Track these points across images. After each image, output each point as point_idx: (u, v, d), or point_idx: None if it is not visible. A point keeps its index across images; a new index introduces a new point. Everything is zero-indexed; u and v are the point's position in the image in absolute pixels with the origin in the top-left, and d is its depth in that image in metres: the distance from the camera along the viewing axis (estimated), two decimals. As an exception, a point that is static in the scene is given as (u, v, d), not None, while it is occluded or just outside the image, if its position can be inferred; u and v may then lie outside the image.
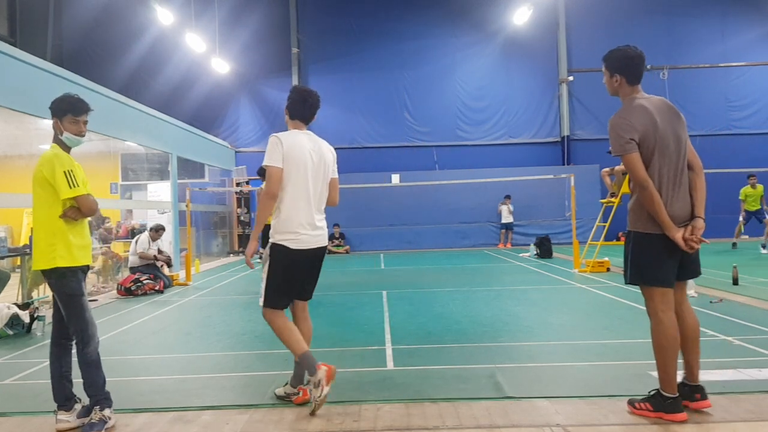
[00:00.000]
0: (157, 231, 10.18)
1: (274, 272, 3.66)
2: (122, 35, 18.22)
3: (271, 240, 3.69)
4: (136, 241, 10.03)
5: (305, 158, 3.67)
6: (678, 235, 3.22)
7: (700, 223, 3.26)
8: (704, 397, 3.35)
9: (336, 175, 3.92)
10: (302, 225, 3.64)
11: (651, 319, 3.36)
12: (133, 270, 9.77)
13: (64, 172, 3.42)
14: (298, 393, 3.73)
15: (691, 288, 7.46)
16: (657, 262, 3.30)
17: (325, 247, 3.85)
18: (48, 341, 5.93)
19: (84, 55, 18.18)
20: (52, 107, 3.56)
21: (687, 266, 3.37)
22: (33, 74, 8.19)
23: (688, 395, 3.36)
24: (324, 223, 3.82)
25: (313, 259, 3.77)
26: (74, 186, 3.43)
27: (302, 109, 3.82)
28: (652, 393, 3.37)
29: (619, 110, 3.35)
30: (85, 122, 3.61)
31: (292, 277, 3.70)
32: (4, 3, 16.96)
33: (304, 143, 3.72)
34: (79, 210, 3.50)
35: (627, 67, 3.35)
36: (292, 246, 3.62)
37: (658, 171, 3.25)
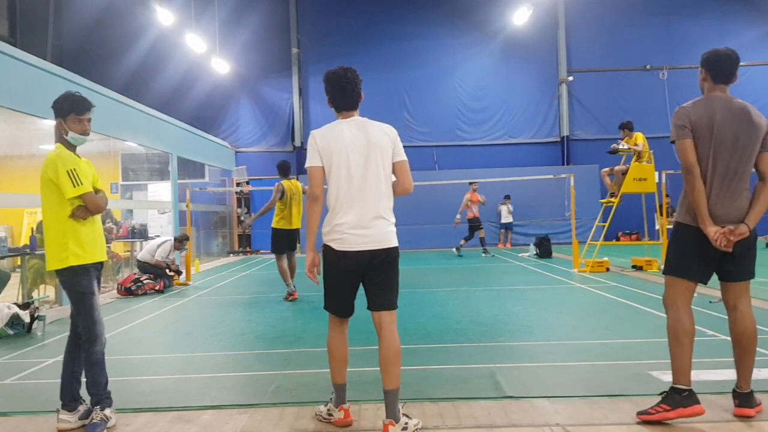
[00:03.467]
0: (182, 242, 10.20)
1: (325, 274, 3.41)
2: (122, 35, 18.22)
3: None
4: (159, 245, 9.97)
5: (344, 149, 3.27)
6: (712, 229, 3.22)
7: (742, 228, 3.24)
8: (743, 404, 3.32)
9: (403, 158, 3.39)
10: (346, 223, 3.25)
11: (667, 309, 3.40)
12: (140, 265, 9.76)
13: (68, 171, 3.42)
14: (341, 414, 3.40)
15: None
16: (688, 254, 3.34)
17: (386, 250, 3.31)
18: (48, 341, 5.98)
19: (84, 55, 18.18)
20: (54, 108, 3.55)
21: (733, 266, 3.33)
22: (33, 74, 8.19)
23: (734, 400, 3.38)
24: (384, 221, 3.31)
25: (369, 261, 3.29)
26: (78, 185, 3.43)
27: (342, 98, 3.39)
28: (663, 393, 3.33)
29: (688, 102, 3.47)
30: (89, 120, 3.61)
31: (341, 281, 3.36)
32: (4, 3, 16.96)
33: (343, 133, 3.31)
34: (86, 208, 3.50)
35: (713, 62, 3.43)
36: (336, 247, 3.28)
37: (707, 165, 3.29)
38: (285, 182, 8.36)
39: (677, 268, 3.39)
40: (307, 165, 3.37)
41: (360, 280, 3.39)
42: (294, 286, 8.22)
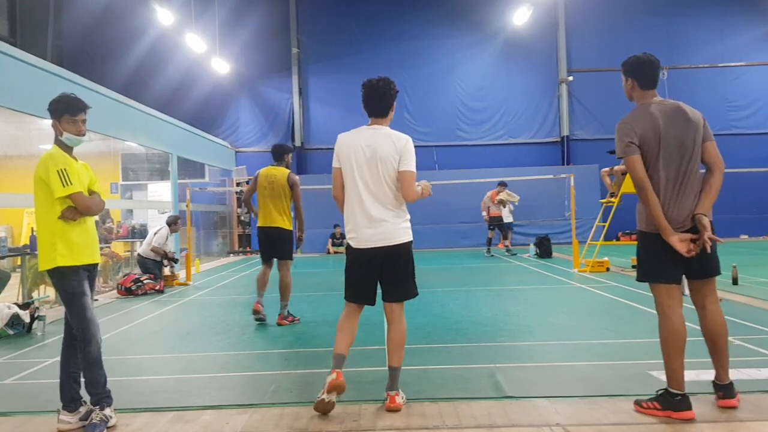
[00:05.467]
0: (175, 224, 10.27)
1: (346, 267, 3.76)
2: (122, 35, 18.22)
3: None
4: (156, 233, 10.06)
5: (354, 154, 3.61)
6: (674, 238, 3.25)
7: (704, 221, 3.24)
8: (726, 396, 3.39)
9: (406, 168, 3.59)
10: (357, 222, 3.62)
11: (658, 314, 3.43)
12: (141, 260, 9.79)
13: (57, 171, 3.40)
14: (333, 375, 3.48)
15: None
16: (657, 260, 3.38)
17: (397, 246, 3.60)
18: (48, 341, 5.99)
19: (84, 55, 18.18)
20: (49, 109, 3.54)
21: (703, 266, 3.36)
22: (33, 74, 8.19)
23: (716, 393, 3.44)
24: (392, 219, 3.60)
25: (382, 257, 3.60)
26: (67, 184, 3.40)
27: (369, 105, 3.70)
28: (660, 392, 3.39)
29: (627, 114, 3.47)
30: (84, 121, 3.58)
31: (356, 274, 3.68)
32: (4, 3, 16.96)
33: (357, 139, 3.64)
34: (76, 210, 3.48)
35: (637, 70, 3.48)
36: (354, 245, 3.65)
37: (658, 174, 3.32)
38: (264, 169, 6.65)
39: (652, 274, 3.43)
40: (333, 165, 3.77)
41: (377, 272, 3.68)
42: (263, 304, 6.45)
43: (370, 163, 3.58)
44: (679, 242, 3.25)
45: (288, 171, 6.57)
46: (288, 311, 6.50)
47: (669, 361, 3.33)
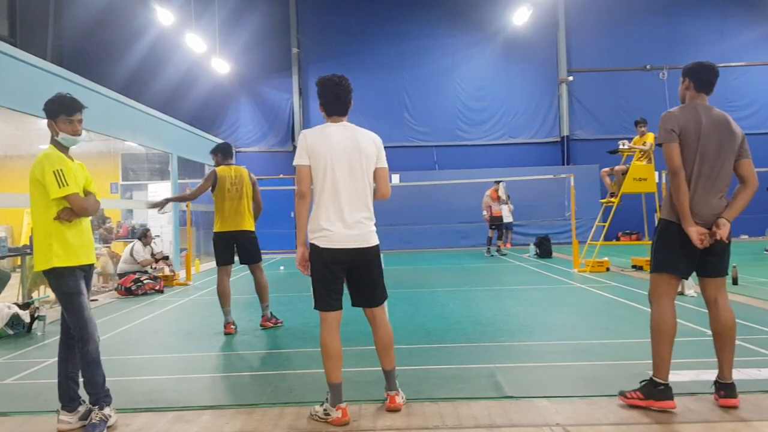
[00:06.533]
0: (145, 236, 10.09)
1: (313, 272, 3.53)
2: (122, 35, 18.22)
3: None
4: (131, 251, 9.92)
5: (332, 151, 3.46)
6: (692, 228, 3.39)
7: (722, 222, 3.41)
8: (728, 395, 3.46)
9: (382, 165, 3.60)
10: (330, 221, 3.44)
11: (652, 304, 3.57)
12: (121, 276, 9.66)
13: (54, 171, 3.38)
14: (338, 413, 3.40)
15: (691, 288, 7.46)
16: (670, 250, 3.51)
17: (370, 248, 3.53)
18: (48, 341, 5.99)
19: (84, 55, 18.17)
20: (45, 109, 3.52)
21: (713, 264, 3.52)
22: (33, 74, 8.18)
23: (717, 392, 3.52)
24: (366, 221, 3.52)
25: (353, 259, 3.49)
26: (63, 185, 3.38)
27: (335, 104, 3.57)
28: (643, 382, 3.50)
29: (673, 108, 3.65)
30: (80, 121, 3.56)
31: (329, 277, 3.47)
32: (4, 3, 16.96)
33: (333, 135, 3.50)
34: (71, 211, 3.46)
35: (697, 72, 3.64)
36: (322, 244, 3.45)
37: (692, 166, 3.46)
38: (221, 168, 6.58)
39: (664, 264, 3.55)
40: (295, 163, 3.53)
41: (345, 275, 3.56)
42: (234, 322, 6.20)
43: (352, 160, 3.48)
44: (696, 233, 3.38)
45: (246, 169, 6.66)
46: (270, 312, 6.43)
47: (658, 349, 3.45)
